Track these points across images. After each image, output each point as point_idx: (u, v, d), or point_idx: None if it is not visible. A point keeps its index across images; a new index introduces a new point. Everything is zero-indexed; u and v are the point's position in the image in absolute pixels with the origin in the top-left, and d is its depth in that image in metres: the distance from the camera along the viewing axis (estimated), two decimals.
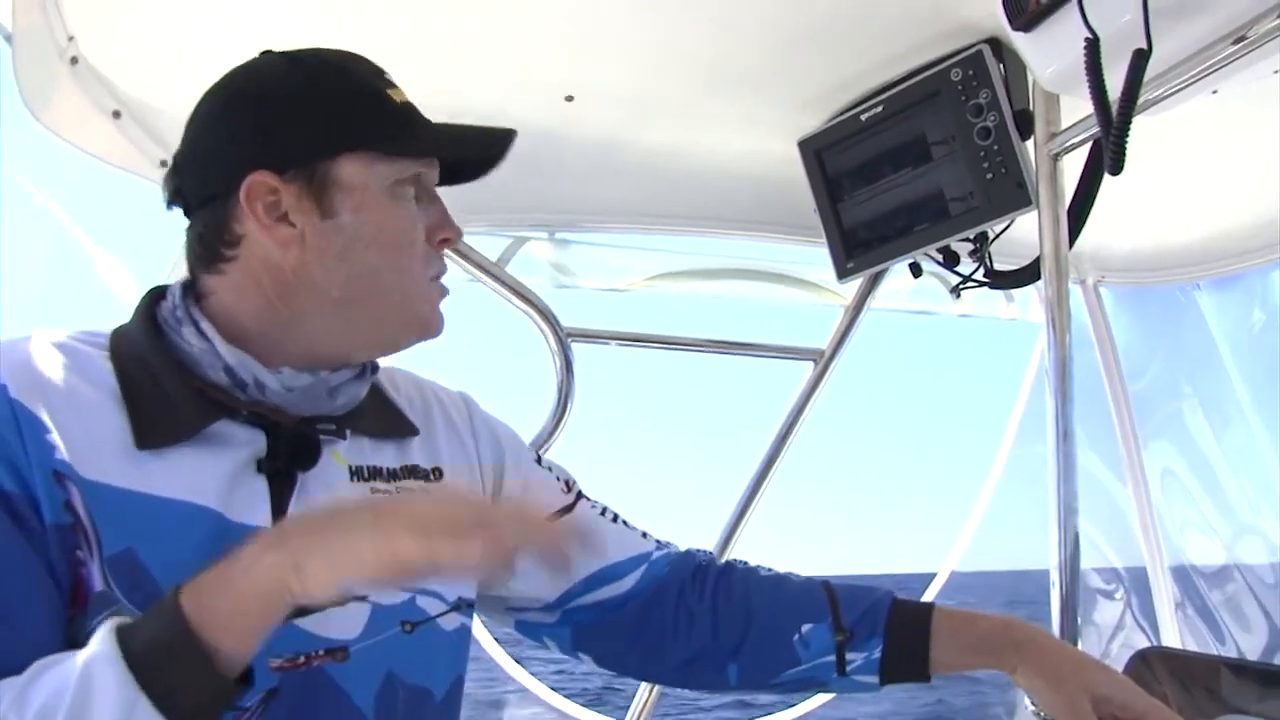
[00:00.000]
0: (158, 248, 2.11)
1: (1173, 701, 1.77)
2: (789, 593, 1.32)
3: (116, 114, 1.90)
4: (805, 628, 1.27)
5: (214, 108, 1.12)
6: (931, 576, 3.62)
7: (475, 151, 1.18)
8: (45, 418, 0.96)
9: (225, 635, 0.82)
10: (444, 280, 1.18)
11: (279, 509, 1.05)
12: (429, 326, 1.15)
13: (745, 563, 1.40)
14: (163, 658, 0.80)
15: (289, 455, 1.07)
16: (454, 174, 1.19)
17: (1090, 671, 1.19)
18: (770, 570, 1.37)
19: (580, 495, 1.38)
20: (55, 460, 0.95)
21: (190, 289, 1.11)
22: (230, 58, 1.63)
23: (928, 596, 3.52)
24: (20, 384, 0.97)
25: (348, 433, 1.14)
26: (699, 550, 1.42)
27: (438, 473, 1.22)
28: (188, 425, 1.02)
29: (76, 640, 0.92)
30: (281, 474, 1.07)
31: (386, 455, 1.18)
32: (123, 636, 0.81)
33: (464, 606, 1.20)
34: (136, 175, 2.00)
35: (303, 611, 0.98)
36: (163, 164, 1.98)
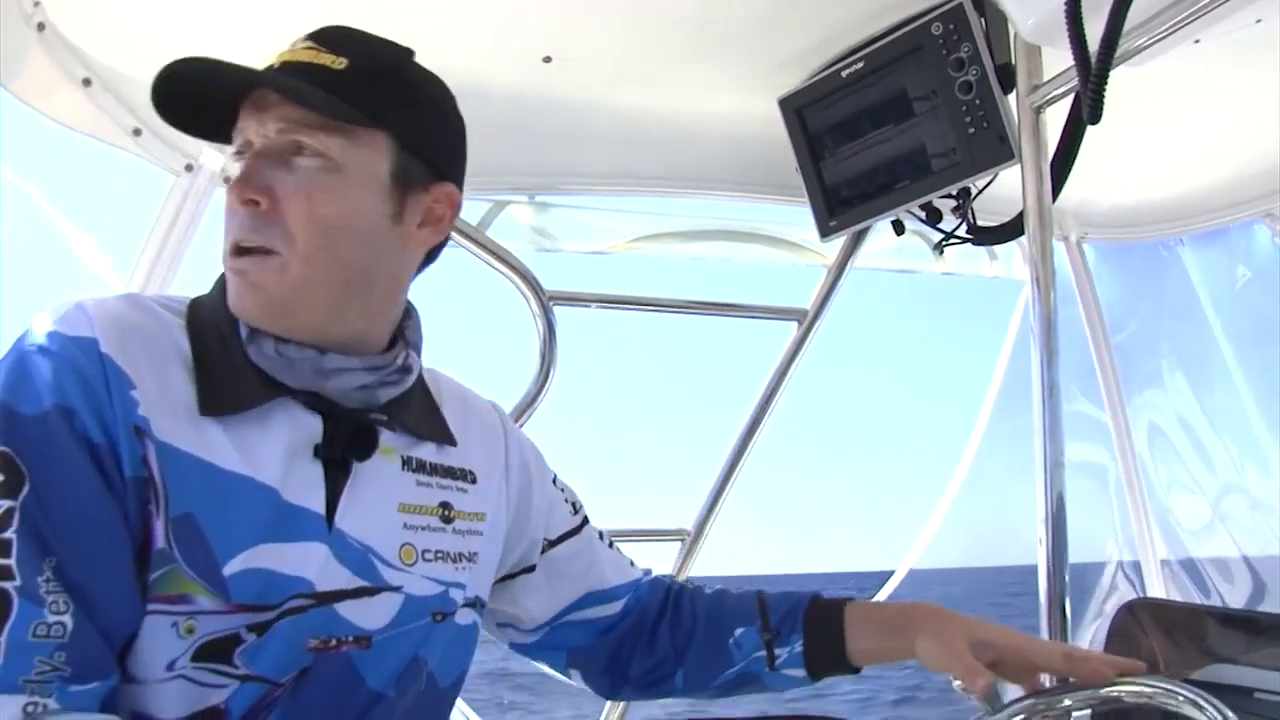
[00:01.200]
0: (131, 223, 2.09)
1: (1160, 652, 1.79)
2: (725, 602, 1.41)
3: (87, 81, 1.88)
4: (738, 631, 1.37)
5: None
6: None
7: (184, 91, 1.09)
8: (130, 373, 0.99)
9: None
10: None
11: (334, 493, 1.07)
12: (234, 304, 1.09)
13: (693, 583, 1.50)
14: None
15: (346, 443, 1.10)
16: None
17: (971, 624, 1.26)
18: (714, 588, 1.47)
19: (585, 520, 1.44)
20: (136, 415, 0.98)
21: None
22: (200, 26, 1.61)
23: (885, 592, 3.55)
24: (109, 338, 1.00)
25: (396, 426, 1.16)
26: (665, 576, 1.52)
27: (471, 477, 1.24)
28: (249, 398, 1.05)
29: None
30: (336, 461, 1.09)
31: (428, 451, 1.21)
32: None
33: (479, 604, 1.24)
34: (108, 144, 1.97)
35: (337, 596, 1.04)
36: (135, 132, 1.96)
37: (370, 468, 1.11)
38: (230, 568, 0.98)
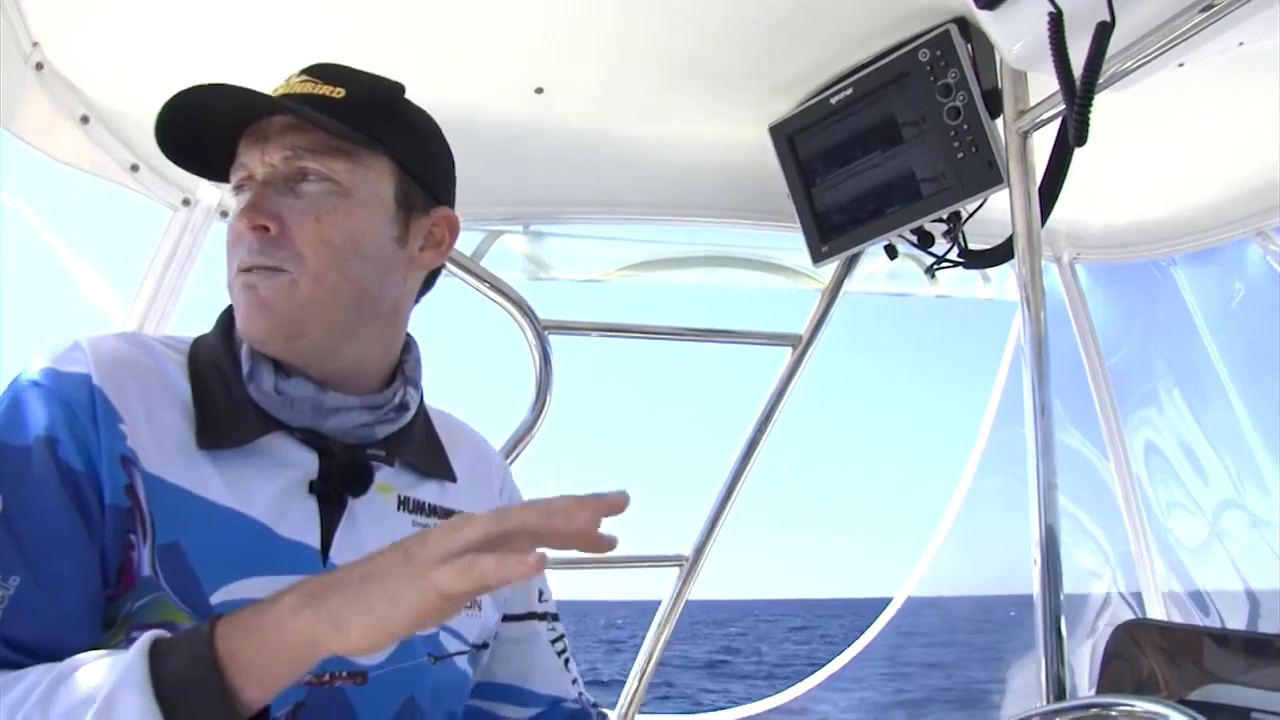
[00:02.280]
0: (133, 255, 2.10)
1: (1158, 672, 1.79)
2: None
3: (85, 119, 1.90)
4: None
5: None
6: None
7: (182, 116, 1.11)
8: (120, 408, 1.02)
9: (251, 682, 0.82)
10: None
11: (327, 531, 1.09)
12: (242, 324, 1.11)
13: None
14: (189, 694, 0.80)
15: (341, 480, 1.11)
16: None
17: None
18: None
19: (546, 614, 1.38)
20: (124, 447, 1.00)
21: None
22: (197, 62, 1.62)
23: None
24: (103, 373, 1.03)
25: (396, 462, 1.17)
26: (597, 711, 1.42)
27: None
28: (244, 433, 1.07)
29: (116, 618, 0.99)
30: (331, 498, 1.10)
31: (428, 492, 1.21)
32: (155, 661, 0.82)
33: (473, 651, 1.23)
34: (108, 181, 1.99)
35: (361, 675, 1.05)
36: (133, 168, 1.97)
37: (366, 505, 1.12)
38: (217, 597, 0.99)
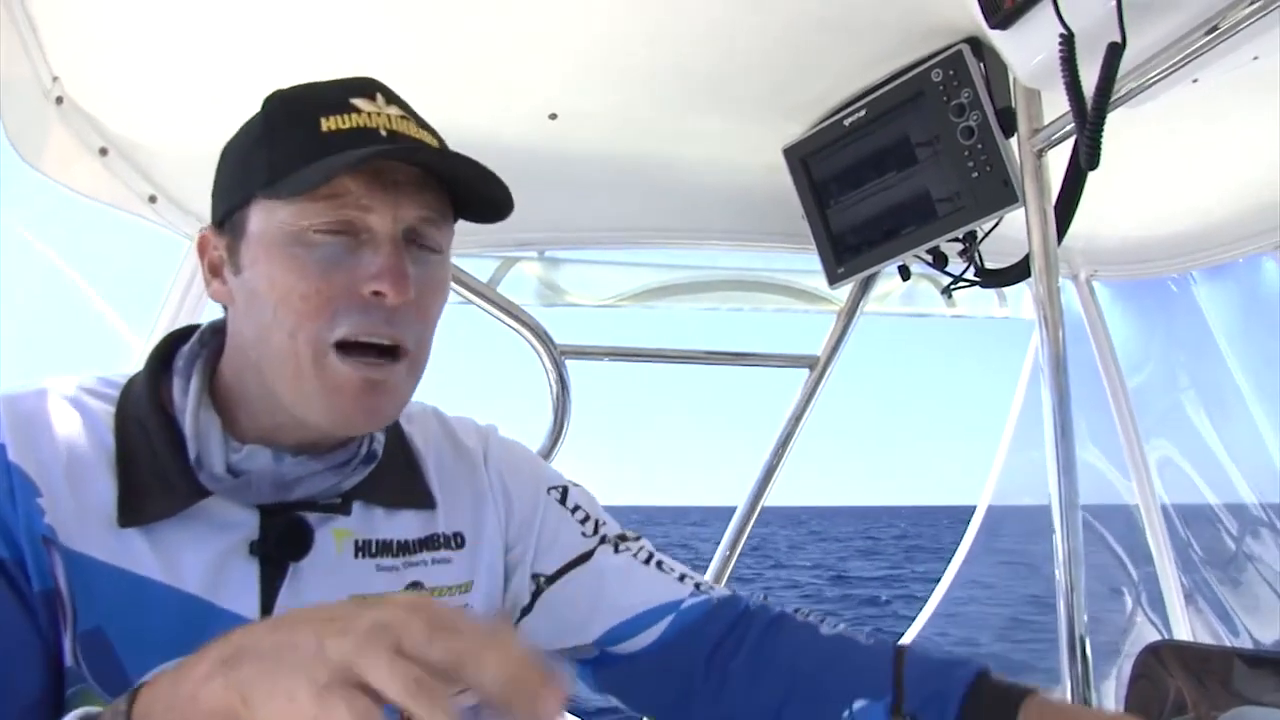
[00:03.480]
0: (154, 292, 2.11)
1: (1186, 694, 1.76)
2: (847, 659, 1.13)
3: (104, 151, 1.91)
4: (858, 704, 1.07)
5: None
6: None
7: (374, 163, 0.97)
8: (38, 481, 0.93)
9: None
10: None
11: (269, 594, 0.99)
12: (339, 414, 0.97)
13: (808, 615, 1.20)
14: None
15: (279, 543, 1.00)
16: (482, 210, 1.05)
17: None
18: (836, 627, 1.18)
19: (604, 539, 1.24)
20: (41, 525, 0.91)
21: (217, 332, 1.07)
22: (215, 94, 1.64)
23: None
24: (19, 444, 0.93)
25: (354, 506, 1.07)
26: (746, 597, 1.24)
27: (459, 540, 1.14)
28: (174, 502, 0.96)
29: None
30: (273, 558, 1.00)
31: (401, 524, 1.10)
32: None
33: None
34: (125, 212, 2.00)
35: None
36: (151, 199, 1.99)
37: (315, 562, 1.01)
38: None
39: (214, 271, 1.03)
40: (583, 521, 1.24)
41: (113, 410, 1.01)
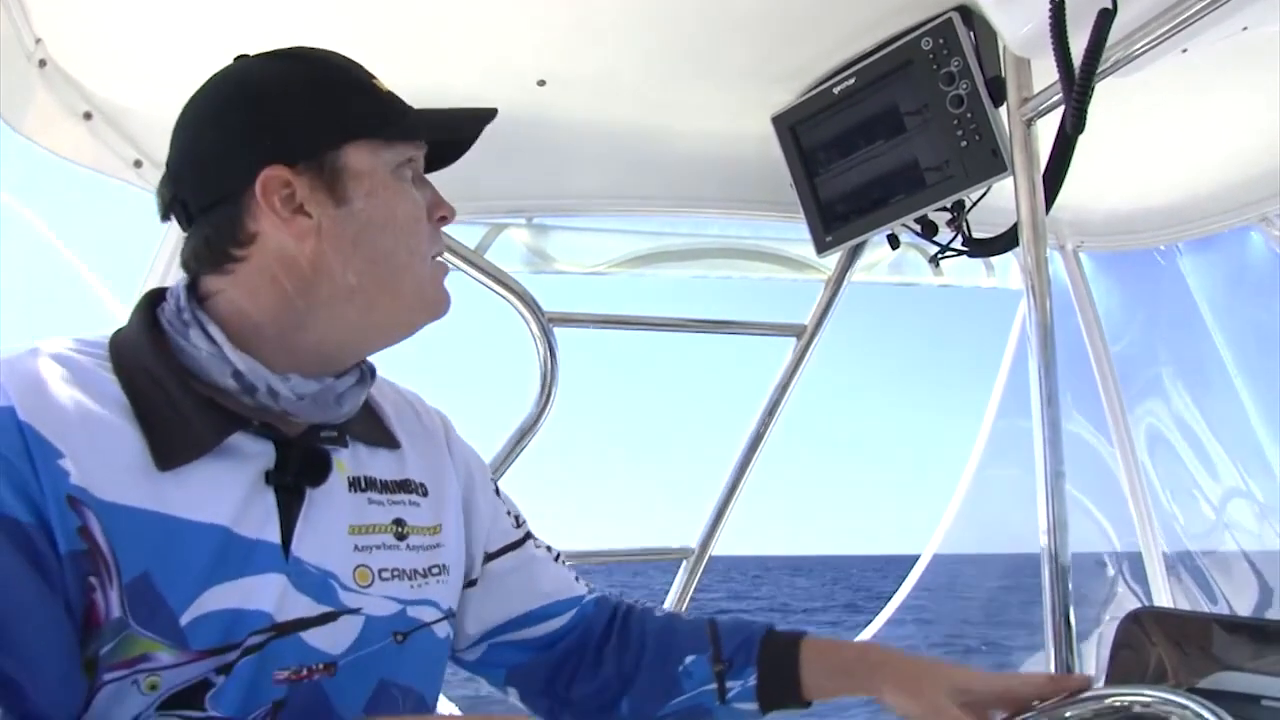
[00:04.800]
0: (133, 255, 2.10)
1: (1167, 661, 1.78)
2: (677, 627, 1.38)
3: (88, 115, 1.90)
4: (688, 659, 1.33)
5: (206, 112, 1.12)
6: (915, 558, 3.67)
7: (461, 133, 1.21)
8: (56, 441, 0.93)
9: None
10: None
11: (288, 522, 1.05)
12: (438, 305, 1.18)
13: (643, 604, 1.45)
14: None
15: (299, 470, 1.07)
16: (432, 160, 1.21)
17: (945, 671, 1.23)
18: (663, 611, 1.44)
19: (529, 534, 1.41)
20: (69, 485, 0.92)
21: (193, 291, 1.11)
22: (200, 57, 1.62)
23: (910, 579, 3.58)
24: (29, 405, 0.94)
25: (348, 439, 1.15)
26: (612, 595, 1.47)
27: (423, 489, 1.23)
28: (204, 440, 1.02)
29: (87, 663, 0.93)
30: (289, 488, 1.06)
31: (380, 465, 1.19)
32: None
33: (451, 617, 1.23)
34: (109, 176, 1.99)
35: (300, 624, 1.02)
36: (136, 164, 1.98)
37: (325, 491, 1.09)
38: (186, 617, 0.95)
39: (288, 207, 1.07)
40: (510, 514, 1.40)
41: (108, 365, 1.03)
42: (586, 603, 1.40)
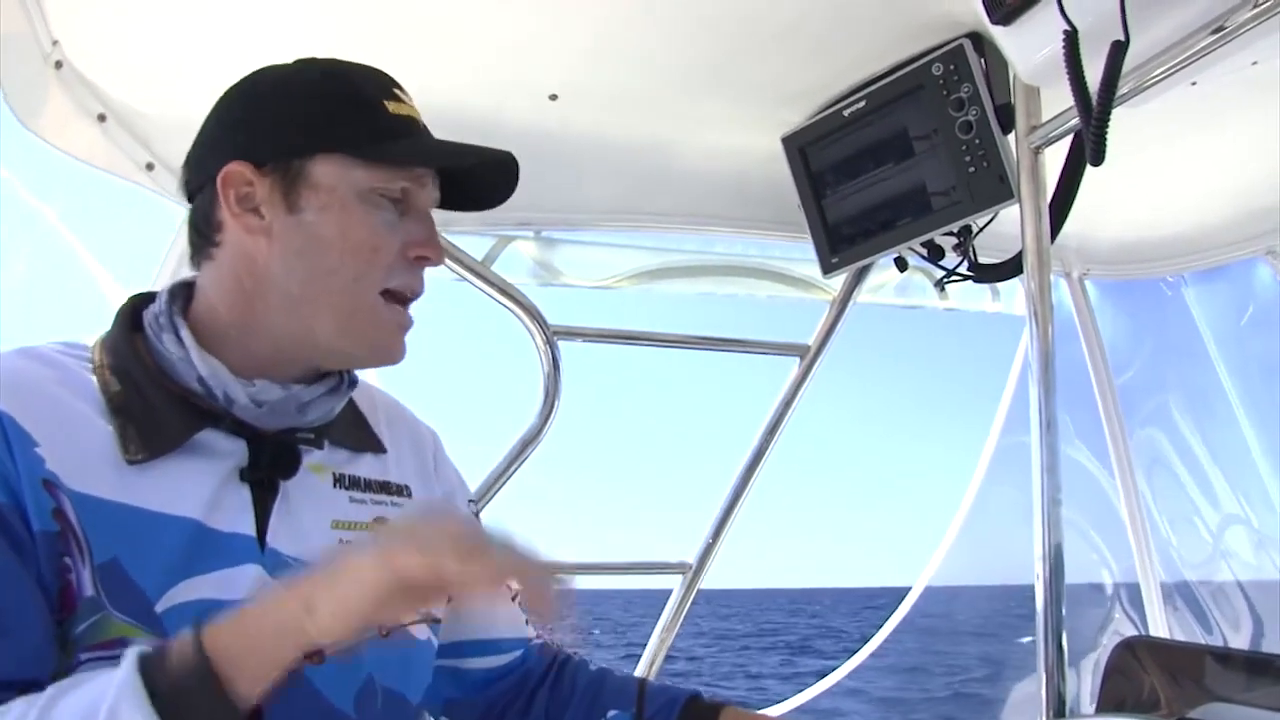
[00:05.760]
0: (146, 255, 2.11)
1: (1160, 690, 1.79)
2: (606, 682, 1.40)
3: (102, 117, 1.91)
4: (611, 713, 1.36)
5: (221, 100, 1.16)
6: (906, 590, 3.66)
7: (457, 162, 1.18)
8: (33, 431, 0.98)
9: (243, 676, 0.84)
10: (433, 278, 1.19)
11: (261, 517, 1.08)
12: (387, 352, 1.15)
13: (579, 656, 1.47)
14: (185, 700, 0.82)
15: (270, 464, 1.10)
16: (465, 201, 1.22)
17: None
18: (597, 666, 1.46)
19: None
20: (44, 470, 0.97)
21: (179, 293, 1.14)
22: (214, 63, 1.64)
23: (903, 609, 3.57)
24: (8, 396, 0.99)
25: (325, 443, 1.17)
26: (554, 645, 1.48)
27: (407, 491, 1.25)
28: (173, 436, 1.05)
29: (64, 643, 0.96)
30: (264, 483, 1.09)
31: (363, 467, 1.21)
32: (147, 673, 0.82)
33: (432, 621, 1.24)
34: (122, 178, 2.00)
35: (318, 654, 1.00)
36: (148, 167, 1.98)
37: (300, 486, 1.12)
38: (162, 605, 0.98)
39: (244, 205, 1.10)
40: None
41: (89, 365, 1.08)
42: (531, 647, 1.41)
